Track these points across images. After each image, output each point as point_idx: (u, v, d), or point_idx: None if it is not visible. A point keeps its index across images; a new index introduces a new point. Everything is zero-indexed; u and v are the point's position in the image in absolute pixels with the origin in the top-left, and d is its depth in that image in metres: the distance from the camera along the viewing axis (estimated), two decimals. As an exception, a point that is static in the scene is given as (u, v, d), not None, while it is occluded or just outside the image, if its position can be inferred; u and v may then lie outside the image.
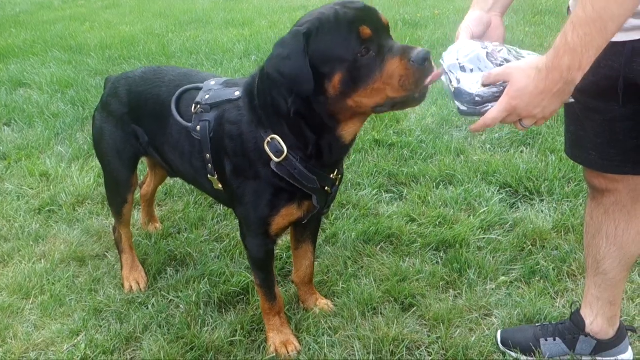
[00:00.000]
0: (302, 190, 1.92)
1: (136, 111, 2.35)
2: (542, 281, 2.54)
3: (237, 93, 1.97)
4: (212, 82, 2.10)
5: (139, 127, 2.35)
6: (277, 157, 1.83)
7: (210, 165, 2.04)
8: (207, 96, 2.02)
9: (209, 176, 2.08)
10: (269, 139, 1.84)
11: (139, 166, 2.63)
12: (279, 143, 1.83)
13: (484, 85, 1.46)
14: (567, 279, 2.55)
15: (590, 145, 1.74)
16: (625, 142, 1.69)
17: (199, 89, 2.09)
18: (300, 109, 1.77)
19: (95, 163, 3.75)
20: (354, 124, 1.82)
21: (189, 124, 2.04)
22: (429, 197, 3.20)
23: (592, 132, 1.74)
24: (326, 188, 1.97)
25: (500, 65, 1.48)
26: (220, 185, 2.09)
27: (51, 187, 3.52)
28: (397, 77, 1.61)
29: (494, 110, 1.43)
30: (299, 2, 9.84)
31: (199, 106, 2.02)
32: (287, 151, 1.83)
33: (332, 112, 1.75)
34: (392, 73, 1.62)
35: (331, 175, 1.97)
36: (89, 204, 3.34)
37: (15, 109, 4.87)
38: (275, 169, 1.86)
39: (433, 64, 1.63)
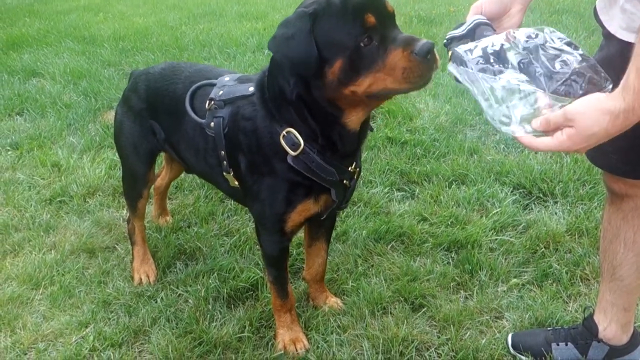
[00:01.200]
0: (319, 185, 1.89)
1: (154, 107, 2.34)
2: (554, 284, 2.51)
3: (251, 89, 1.94)
4: (227, 78, 2.08)
5: (156, 122, 2.35)
6: (294, 150, 1.81)
7: (225, 162, 2.02)
8: (220, 92, 2.00)
9: (224, 174, 2.06)
10: (284, 132, 1.81)
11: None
12: (295, 136, 1.80)
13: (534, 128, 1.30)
14: (580, 283, 2.51)
15: (611, 149, 1.70)
16: None
17: (213, 85, 2.08)
18: (301, 93, 1.74)
19: (107, 155, 3.76)
20: (356, 112, 1.77)
21: (203, 120, 2.02)
22: (441, 197, 3.17)
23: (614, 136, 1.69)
24: (345, 181, 1.94)
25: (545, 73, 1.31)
26: (236, 183, 2.07)
27: (62, 177, 3.52)
28: (400, 69, 1.58)
29: (549, 145, 1.29)
30: (312, -4, 9.79)
31: (212, 102, 2.00)
32: (304, 144, 1.80)
33: (329, 98, 1.71)
34: (395, 64, 1.58)
35: (349, 168, 1.94)
36: (99, 195, 3.34)
37: (28, 98, 4.88)
38: (292, 163, 1.83)
39: (437, 55, 1.59)
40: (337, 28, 1.60)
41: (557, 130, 1.27)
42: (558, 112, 1.27)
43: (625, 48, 1.46)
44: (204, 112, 2.04)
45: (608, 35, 1.60)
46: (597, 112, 1.22)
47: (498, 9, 1.61)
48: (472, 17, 1.59)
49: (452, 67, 1.43)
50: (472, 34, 1.55)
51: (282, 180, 1.90)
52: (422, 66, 1.57)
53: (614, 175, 1.78)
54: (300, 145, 1.80)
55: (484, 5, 1.61)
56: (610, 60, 1.60)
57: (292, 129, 1.80)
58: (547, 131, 1.28)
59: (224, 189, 2.30)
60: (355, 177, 2.02)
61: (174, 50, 6.29)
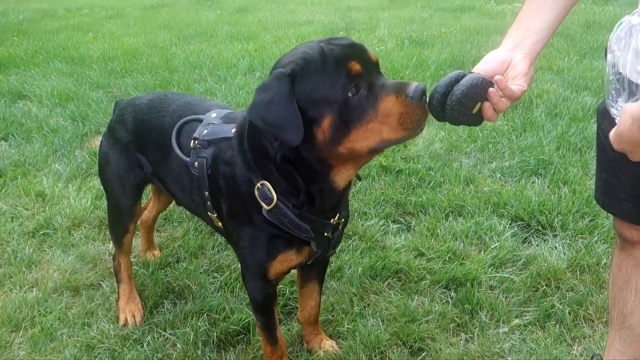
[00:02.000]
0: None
1: (141, 140, 2.25)
2: (557, 325, 2.42)
3: (234, 130, 1.85)
4: (213, 115, 1.98)
5: (143, 156, 2.25)
6: (267, 204, 1.71)
7: (209, 202, 1.93)
8: (205, 131, 1.91)
9: (209, 213, 1.97)
10: (259, 184, 1.72)
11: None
12: (269, 190, 1.70)
13: None
14: (584, 324, 2.43)
15: (624, 195, 1.63)
16: None
17: (200, 120, 1.99)
18: (287, 155, 1.64)
19: (93, 183, 3.65)
20: (346, 169, 1.67)
21: (188, 159, 1.93)
22: (438, 229, 3.08)
23: (627, 183, 1.62)
24: (325, 234, 1.84)
25: None
26: (220, 224, 1.98)
27: (47, 208, 3.41)
28: (396, 116, 1.48)
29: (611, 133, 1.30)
30: (304, 16, 9.81)
31: (196, 142, 1.91)
32: (277, 198, 1.70)
33: (322, 158, 1.61)
34: (389, 111, 1.49)
35: (331, 221, 1.83)
36: (85, 227, 3.22)
37: (13, 122, 4.77)
38: (266, 216, 1.74)
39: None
40: (320, 83, 1.50)
41: None
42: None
43: None
44: (189, 149, 1.96)
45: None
46: (626, 112, 1.24)
47: (494, 66, 1.57)
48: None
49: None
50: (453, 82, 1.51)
51: (261, 230, 1.81)
52: (419, 110, 1.49)
53: (626, 222, 1.70)
54: (272, 199, 1.70)
55: (479, 67, 1.57)
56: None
57: (266, 183, 1.70)
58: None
59: (211, 225, 2.21)
60: (340, 227, 1.92)
61: (164, 72, 6.21)
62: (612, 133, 1.29)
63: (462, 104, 1.44)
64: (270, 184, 1.70)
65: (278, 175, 1.69)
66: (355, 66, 1.50)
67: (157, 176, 2.27)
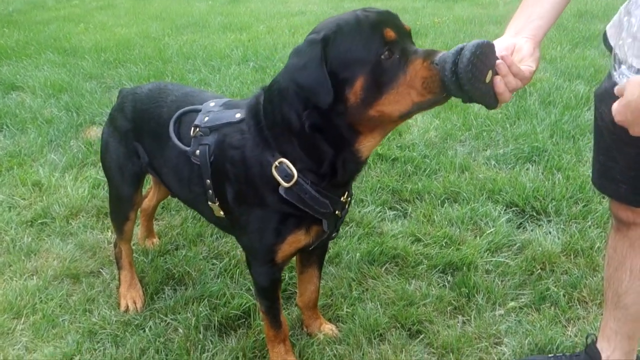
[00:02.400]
0: (310, 216, 1.82)
1: (139, 129, 2.26)
2: (552, 307, 2.47)
3: (238, 115, 1.86)
4: (212, 104, 2.00)
5: (140, 145, 2.26)
6: (287, 182, 1.73)
7: (210, 191, 1.94)
8: (206, 118, 1.92)
9: (209, 203, 1.98)
10: (276, 163, 1.73)
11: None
12: (288, 167, 1.73)
13: None
14: (578, 306, 2.48)
15: (620, 177, 1.67)
16: None
17: (198, 110, 2.00)
18: (316, 122, 1.66)
19: (90, 173, 3.66)
20: (373, 137, 1.69)
21: (188, 148, 1.94)
22: (434, 216, 3.12)
23: (624, 165, 1.66)
24: (336, 212, 1.88)
25: None
26: (221, 213, 1.99)
27: (44, 197, 3.41)
28: (420, 79, 1.50)
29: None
30: (296, 7, 9.79)
31: (197, 129, 1.92)
32: (298, 175, 1.73)
33: (352, 123, 1.63)
34: (416, 74, 1.51)
35: (342, 198, 1.87)
36: (83, 216, 3.23)
37: (7, 113, 4.75)
38: (284, 195, 1.76)
39: None
40: (354, 46, 1.53)
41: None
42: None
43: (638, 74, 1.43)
44: (188, 139, 1.96)
45: (620, 62, 1.57)
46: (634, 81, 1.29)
47: (499, 52, 1.57)
48: None
49: None
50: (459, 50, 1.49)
51: (272, 211, 1.82)
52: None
53: (622, 204, 1.74)
54: (293, 176, 1.72)
55: None
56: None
57: (285, 160, 1.73)
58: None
59: (208, 217, 2.20)
60: (347, 206, 1.95)
61: (158, 62, 6.19)
62: (616, 104, 1.32)
63: (474, 65, 1.42)
64: (289, 161, 1.72)
65: (300, 149, 1.71)
66: (390, 32, 1.53)
67: (153, 167, 2.27)
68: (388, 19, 1.57)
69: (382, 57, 1.51)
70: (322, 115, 1.63)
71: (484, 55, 1.46)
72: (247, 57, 6.29)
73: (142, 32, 7.93)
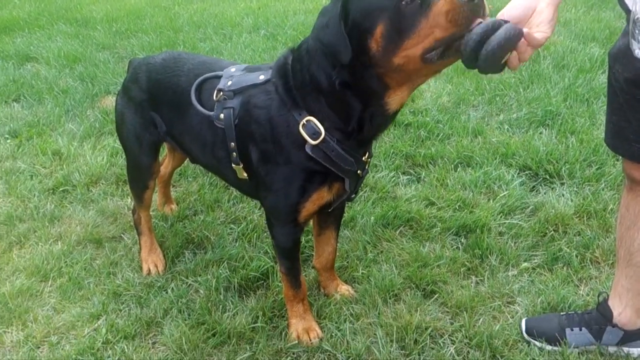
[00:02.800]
0: (333, 174, 1.87)
1: (155, 99, 2.29)
2: (565, 268, 2.51)
3: (262, 77, 1.90)
4: (233, 69, 2.03)
5: (157, 114, 2.30)
6: (314, 139, 1.78)
7: (235, 153, 1.99)
8: (229, 82, 1.96)
9: (233, 165, 2.03)
10: (304, 121, 1.78)
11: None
12: (316, 125, 1.77)
13: None
14: (591, 266, 2.52)
15: (633, 137, 1.69)
16: None
17: (219, 77, 2.03)
18: (346, 79, 1.69)
19: (108, 142, 3.72)
20: (402, 91, 1.70)
21: (212, 113, 1.98)
22: (448, 180, 3.15)
23: (637, 125, 1.68)
24: (358, 171, 1.93)
25: None
26: (245, 174, 2.04)
27: (64, 166, 3.48)
28: (445, 14, 1.48)
29: None
30: (307, -27, 9.66)
31: (221, 93, 1.96)
32: (325, 133, 1.78)
33: (380, 74, 1.65)
34: (439, 11, 1.49)
35: (362, 158, 1.92)
36: (102, 184, 3.30)
37: (23, 84, 4.81)
38: (310, 152, 1.80)
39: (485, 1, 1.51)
40: None
41: None
42: None
43: None
44: (210, 105, 2.00)
45: (637, 21, 1.57)
46: None
47: (522, 12, 1.56)
48: None
49: None
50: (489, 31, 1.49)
51: (298, 169, 1.87)
52: (468, 7, 1.46)
53: (635, 163, 1.76)
54: (321, 134, 1.77)
55: (506, 12, 1.57)
56: None
57: (312, 118, 1.77)
58: None
59: (230, 181, 2.27)
60: (367, 166, 2.00)
61: (169, 31, 6.19)
62: None
63: (496, 54, 1.44)
64: (317, 120, 1.77)
65: (328, 108, 1.76)
66: None
67: (172, 135, 2.32)
68: None
69: (403, 2, 1.51)
70: (351, 71, 1.66)
71: (511, 43, 1.47)
72: (258, 25, 6.27)
73: (152, 1, 7.89)
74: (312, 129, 1.78)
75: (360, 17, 1.58)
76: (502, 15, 1.61)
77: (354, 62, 1.62)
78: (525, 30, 1.52)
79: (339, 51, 1.60)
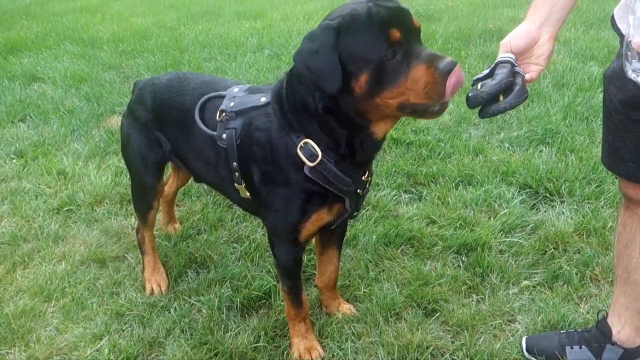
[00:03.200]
0: (333, 194, 1.90)
1: (160, 118, 2.34)
2: (565, 286, 2.52)
3: (263, 99, 1.94)
4: (236, 89, 2.07)
5: (162, 134, 2.34)
6: (312, 161, 1.81)
7: (237, 173, 2.02)
8: (232, 103, 2.00)
9: (236, 185, 2.06)
10: (301, 143, 1.82)
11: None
12: (313, 147, 1.81)
13: None
14: (591, 284, 2.53)
15: (629, 156, 1.71)
16: None
17: (222, 96, 2.07)
18: (328, 105, 1.74)
19: (112, 161, 3.76)
20: (384, 123, 1.77)
21: (215, 133, 2.02)
22: (449, 198, 3.18)
23: (632, 145, 1.71)
24: (358, 190, 1.95)
25: None
26: (247, 194, 2.07)
27: (69, 185, 3.52)
28: (422, 84, 1.57)
29: None
30: (310, -7, 9.78)
31: (224, 114, 2.00)
32: (322, 155, 1.81)
33: (360, 110, 1.71)
34: (418, 79, 1.57)
35: (362, 177, 1.95)
36: (107, 203, 3.34)
37: (30, 104, 4.88)
38: (308, 174, 1.84)
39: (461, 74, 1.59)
40: (362, 42, 1.60)
41: None
42: None
43: None
44: (213, 124, 2.04)
45: (629, 44, 1.61)
46: None
47: (525, 43, 1.63)
48: (499, 56, 1.64)
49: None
50: (492, 73, 1.62)
51: (297, 190, 1.90)
52: (442, 85, 1.55)
53: (631, 182, 1.78)
54: (317, 156, 1.80)
55: (511, 41, 1.63)
56: (632, 70, 1.61)
57: (309, 140, 1.81)
58: None
59: (234, 199, 2.30)
60: (368, 185, 2.03)
61: (174, 51, 6.28)
62: None
63: (504, 112, 1.58)
64: (314, 142, 1.81)
65: (320, 130, 1.80)
66: (396, 34, 1.58)
67: (177, 154, 2.35)
68: (398, 16, 1.61)
69: (385, 58, 1.57)
70: (332, 101, 1.71)
71: (518, 104, 1.58)
72: (262, 45, 6.36)
73: (158, 21, 8.02)
74: (309, 151, 1.81)
75: (348, 60, 1.61)
76: (506, 44, 1.66)
77: (336, 94, 1.67)
78: (527, 76, 1.58)
79: (328, 80, 1.63)
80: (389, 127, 1.81)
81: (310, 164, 1.81)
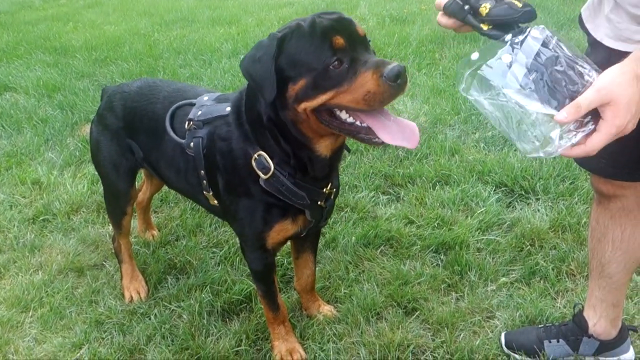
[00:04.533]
0: (294, 206, 1.91)
1: (131, 126, 2.32)
2: (542, 281, 2.56)
3: (228, 109, 1.94)
4: (205, 98, 2.08)
5: (133, 142, 2.33)
6: (264, 173, 1.82)
7: (205, 181, 2.03)
8: (199, 112, 2.00)
9: (204, 192, 2.07)
10: (256, 155, 1.82)
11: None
12: (266, 159, 1.81)
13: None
14: (567, 279, 2.57)
15: (601, 152, 1.74)
16: (638, 150, 1.68)
17: (193, 104, 2.08)
18: (271, 116, 1.75)
19: (88, 170, 3.72)
20: (323, 140, 1.77)
21: (183, 141, 2.02)
22: (426, 198, 3.21)
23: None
24: (319, 203, 1.95)
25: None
26: (215, 202, 2.08)
27: (44, 195, 3.48)
28: (364, 92, 1.55)
29: (601, 137, 1.25)
30: (284, -2, 9.79)
31: (191, 122, 2.00)
32: (274, 167, 1.81)
33: (294, 121, 1.71)
34: (362, 86, 1.55)
35: (324, 190, 1.94)
36: (83, 212, 3.30)
37: (2, 114, 4.80)
38: (264, 186, 1.85)
39: (407, 79, 1.56)
40: (305, 49, 1.60)
41: (588, 113, 1.23)
42: (587, 91, 1.22)
43: (612, 55, 1.51)
44: (183, 132, 2.04)
45: (594, 43, 1.65)
46: (624, 75, 1.21)
47: None
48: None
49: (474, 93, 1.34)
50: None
51: (258, 201, 1.91)
52: (389, 90, 1.53)
53: (602, 178, 1.82)
54: (270, 169, 1.81)
55: None
56: (598, 67, 1.65)
57: (263, 153, 1.81)
58: (579, 117, 1.23)
59: (204, 206, 2.30)
60: (332, 197, 2.02)
61: (149, 59, 6.22)
62: (607, 127, 1.23)
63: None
64: (267, 154, 1.81)
65: (273, 143, 1.80)
66: (339, 40, 1.58)
67: (148, 161, 2.34)
68: (341, 25, 1.63)
69: (331, 66, 1.57)
70: (273, 111, 1.73)
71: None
72: (237, 50, 6.34)
73: (131, 28, 7.94)
74: (261, 163, 1.82)
75: (288, 65, 1.62)
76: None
77: (274, 103, 1.69)
78: None
79: (265, 88, 1.64)
80: (329, 144, 1.79)
81: (264, 177, 1.82)
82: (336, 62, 1.57)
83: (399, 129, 1.64)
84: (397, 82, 1.52)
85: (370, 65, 1.56)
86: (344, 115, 1.65)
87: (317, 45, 1.59)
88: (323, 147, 1.79)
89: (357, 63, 1.58)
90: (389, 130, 1.62)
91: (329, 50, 1.57)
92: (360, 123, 1.65)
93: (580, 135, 1.27)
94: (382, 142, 1.63)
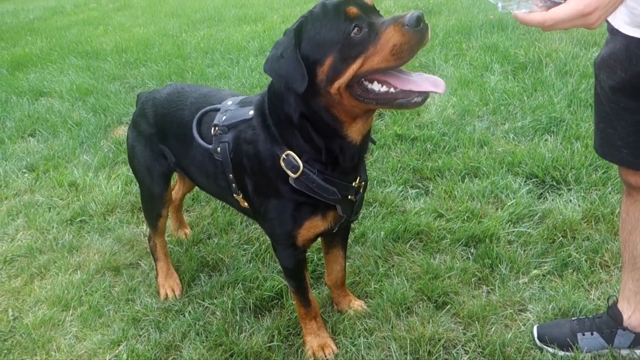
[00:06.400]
0: (325, 202, 1.93)
1: (162, 132, 2.39)
2: (575, 273, 2.53)
3: (251, 112, 1.98)
4: (229, 102, 2.12)
5: (166, 147, 2.40)
6: (294, 173, 1.84)
7: (234, 185, 2.07)
8: (223, 117, 2.05)
9: (234, 195, 2.11)
10: (284, 155, 1.85)
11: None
12: (294, 159, 1.84)
13: None
14: (601, 270, 2.54)
15: (621, 143, 1.72)
16: None
17: (218, 109, 2.12)
18: (303, 111, 1.77)
19: (122, 171, 3.81)
20: (355, 123, 1.78)
21: (210, 146, 2.06)
22: (455, 191, 3.19)
23: (623, 131, 1.72)
24: (350, 197, 1.97)
25: None
26: (245, 204, 2.12)
27: (80, 196, 3.58)
28: (390, 47, 1.56)
29: (565, 11, 1.18)
30: (309, -6, 9.81)
31: (217, 128, 2.04)
32: (303, 165, 1.84)
33: (326, 105, 1.72)
34: (387, 41, 1.57)
35: (353, 183, 1.96)
36: (118, 212, 3.39)
37: (38, 119, 4.95)
38: (294, 184, 1.87)
39: (428, 23, 1.57)
40: (323, 28, 1.63)
41: None
42: None
43: (631, 42, 1.49)
44: (210, 138, 2.09)
45: (612, 31, 1.63)
46: None
47: None
48: None
49: None
50: None
51: (287, 200, 1.94)
52: (415, 37, 1.55)
53: (628, 169, 1.80)
54: (299, 167, 1.83)
55: None
56: (617, 55, 1.63)
57: (291, 152, 1.84)
58: None
59: (236, 208, 2.35)
60: (361, 190, 2.04)
61: (177, 59, 6.33)
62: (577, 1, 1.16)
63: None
64: (295, 154, 1.84)
65: (302, 141, 1.82)
66: (352, 9, 1.61)
67: (180, 166, 2.41)
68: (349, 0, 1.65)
69: (352, 34, 1.59)
70: (306, 104, 1.74)
71: None
72: (264, 48, 6.39)
73: (159, 30, 8.07)
74: (290, 162, 1.84)
75: (311, 49, 1.64)
76: None
77: (305, 93, 1.68)
78: None
79: (295, 80, 1.66)
80: (360, 126, 1.80)
81: (293, 175, 1.85)
82: (356, 29, 1.59)
83: (425, 79, 1.65)
84: (420, 27, 1.54)
85: (389, 22, 1.59)
86: (376, 86, 1.66)
87: (334, 20, 1.62)
88: (355, 132, 1.80)
89: (375, 25, 1.61)
90: (416, 84, 1.64)
91: (346, 20, 1.60)
92: (394, 89, 1.65)
93: (544, 4, 1.23)
94: (420, 102, 1.64)
